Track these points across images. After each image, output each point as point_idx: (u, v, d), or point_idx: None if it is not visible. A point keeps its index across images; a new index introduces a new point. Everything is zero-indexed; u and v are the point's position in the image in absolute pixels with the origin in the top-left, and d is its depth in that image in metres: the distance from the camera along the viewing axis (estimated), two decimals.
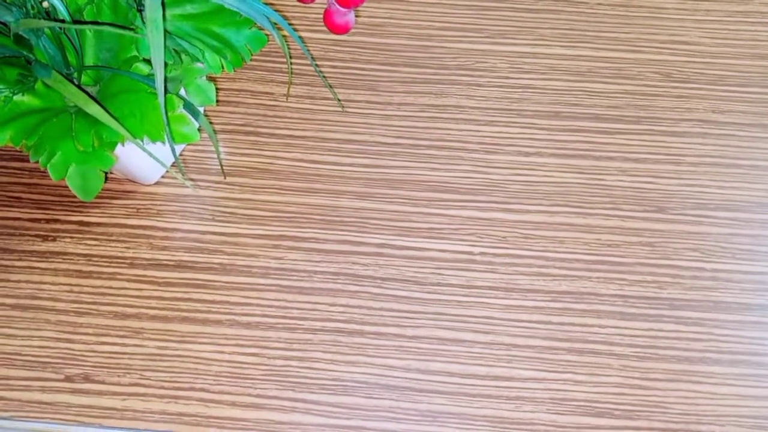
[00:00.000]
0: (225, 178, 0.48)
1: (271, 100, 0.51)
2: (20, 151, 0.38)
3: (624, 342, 0.43)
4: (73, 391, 0.42)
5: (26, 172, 0.48)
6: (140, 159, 0.44)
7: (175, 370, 0.43)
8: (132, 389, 0.42)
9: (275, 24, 0.39)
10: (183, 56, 0.38)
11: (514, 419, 0.42)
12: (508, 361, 0.43)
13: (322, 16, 0.36)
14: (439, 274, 0.46)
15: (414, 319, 0.44)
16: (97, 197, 0.45)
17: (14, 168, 0.48)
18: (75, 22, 0.36)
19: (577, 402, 0.42)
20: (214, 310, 0.44)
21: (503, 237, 0.47)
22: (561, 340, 0.44)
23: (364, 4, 0.53)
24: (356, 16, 0.35)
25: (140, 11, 0.36)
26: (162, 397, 0.42)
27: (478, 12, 0.54)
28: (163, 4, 0.31)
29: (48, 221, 0.47)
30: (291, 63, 0.44)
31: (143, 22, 0.35)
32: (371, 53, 0.53)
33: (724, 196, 0.48)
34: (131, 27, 0.36)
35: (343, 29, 0.34)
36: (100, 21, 0.36)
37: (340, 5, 0.32)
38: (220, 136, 0.50)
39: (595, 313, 0.44)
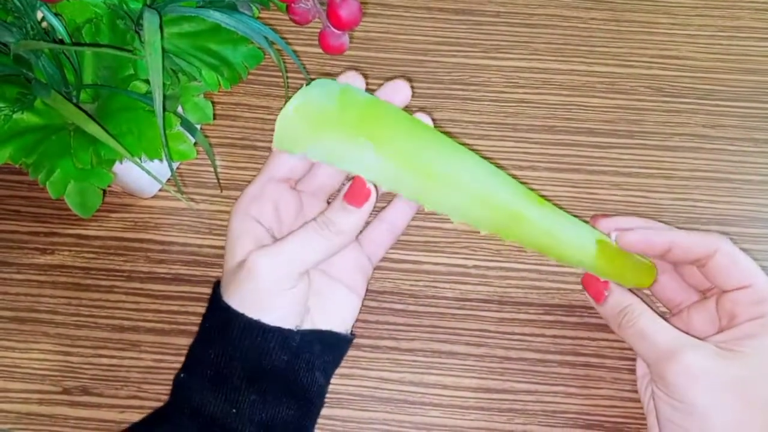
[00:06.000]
0: (222, 192, 0.49)
1: (268, 113, 0.52)
2: (19, 166, 0.39)
3: (615, 355, 0.44)
4: (71, 404, 0.43)
5: (25, 186, 0.48)
6: (138, 174, 0.44)
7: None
8: (129, 402, 0.43)
9: (271, 41, 0.40)
10: (180, 75, 0.38)
11: (506, 431, 0.42)
12: (501, 373, 0.44)
13: (317, 31, 0.37)
14: (434, 287, 0.46)
15: (409, 332, 0.45)
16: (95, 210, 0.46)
17: (13, 181, 0.49)
18: (74, 44, 0.36)
19: (568, 414, 0.43)
20: None
21: (497, 250, 0.47)
22: (553, 352, 0.44)
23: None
24: (351, 31, 0.35)
25: (137, 32, 0.36)
26: None
27: (473, 27, 0.55)
28: (161, 27, 0.32)
29: (46, 234, 0.47)
30: (287, 77, 0.45)
31: (141, 43, 0.35)
32: (367, 67, 0.53)
33: (716, 211, 0.48)
34: (129, 49, 0.36)
35: (338, 50, 0.35)
36: (98, 43, 0.36)
37: (334, 27, 0.33)
38: (217, 149, 0.50)
39: (588, 326, 0.45)
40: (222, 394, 0.35)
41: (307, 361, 0.38)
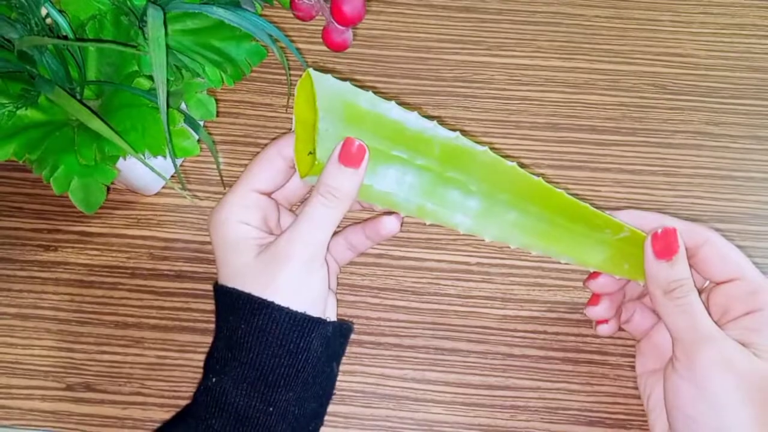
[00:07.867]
0: (225, 189, 0.49)
1: (270, 111, 0.52)
2: (22, 162, 0.39)
3: (618, 352, 0.44)
4: (75, 400, 0.43)
5: (28, 183, 0.49)
6: (142, 170, 0.44)
7: (175, 380, 0.43)
8: (132, 398, 0.43)
9: (274, 38, 0.40)
10: (183, 71, 0.38)
11: (508, 428, 0.42)
12: (504, 370, 0.44)
13: (320, 28, 0.37)
14: (437, 284, 0.46)
15: (411, 329, 0.45)
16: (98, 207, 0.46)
17: (16, 178, 0.49)
18: (78, 39, 0.36)
19: (571, 411, 0.43)
20: (213, 319, 0.45)
21: (499, 247, 0.47)
22: (556, 349, 0.44)
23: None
24: (354, 28, 0.35)
25: (141, 29, 0.36)
26: (162, 405, 0.43)
27: (476, 24, 0.55)
28: (164, 23, 0.32)
29: (49, 231, 0.47)
30: (290, 75, 0.45)
31: (145, 39, 0.35)
32: (369, 65, 0.53)
33: (719, 208, 0.48)
34: (133, 44, 0.36)
35: (341, 47, 0.35)
36: (102, 38, 0.36)
37: (338, 23, 0.33)
38: (220, 147, 0.50)
39: (590, 324, 0.45)
40: (259, 394, 0.35)
41: (335, 351, 0.38)
